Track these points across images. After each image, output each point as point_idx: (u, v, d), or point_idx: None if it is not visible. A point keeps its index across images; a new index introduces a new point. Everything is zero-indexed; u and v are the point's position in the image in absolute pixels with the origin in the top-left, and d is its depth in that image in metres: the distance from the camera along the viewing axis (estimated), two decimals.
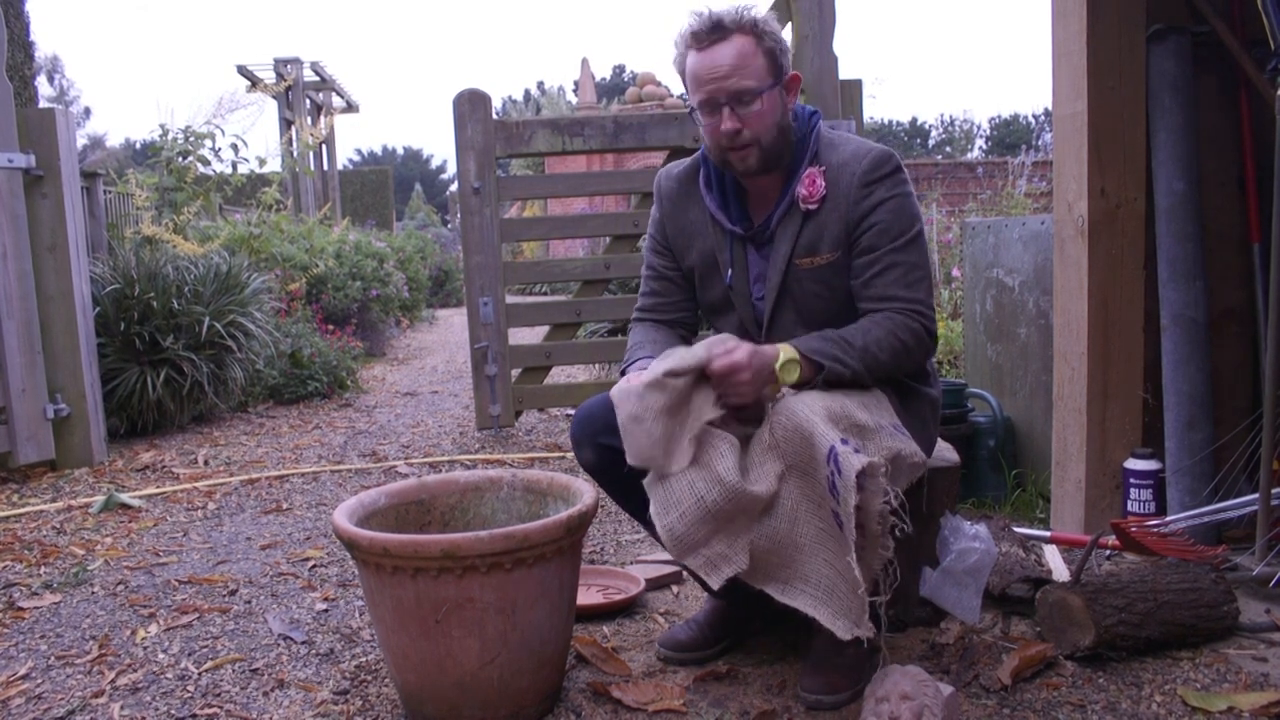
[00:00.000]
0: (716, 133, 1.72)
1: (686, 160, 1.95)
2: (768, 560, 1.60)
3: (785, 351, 1.63)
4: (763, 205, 1.83)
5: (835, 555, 1.54)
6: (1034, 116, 40.23)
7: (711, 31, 1.69)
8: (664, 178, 1.95)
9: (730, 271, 1.84)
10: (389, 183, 20.03)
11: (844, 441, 1.48)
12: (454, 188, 26.08)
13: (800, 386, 1.64)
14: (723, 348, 1.60)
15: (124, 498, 3.35)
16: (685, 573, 2.30)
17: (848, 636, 1.52)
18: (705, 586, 1.92)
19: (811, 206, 1.75)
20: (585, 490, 1.77)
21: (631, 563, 2.50)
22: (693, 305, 1.97)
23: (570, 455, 3.83)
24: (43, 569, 2.66)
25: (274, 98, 10.81)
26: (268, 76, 11.08)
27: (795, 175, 1.77)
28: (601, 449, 1.79)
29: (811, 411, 1.54)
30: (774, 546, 1.59)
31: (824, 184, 1.74)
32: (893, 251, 1.71)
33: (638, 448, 1.59)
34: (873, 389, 1.71)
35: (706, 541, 1.57)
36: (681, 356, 1.61)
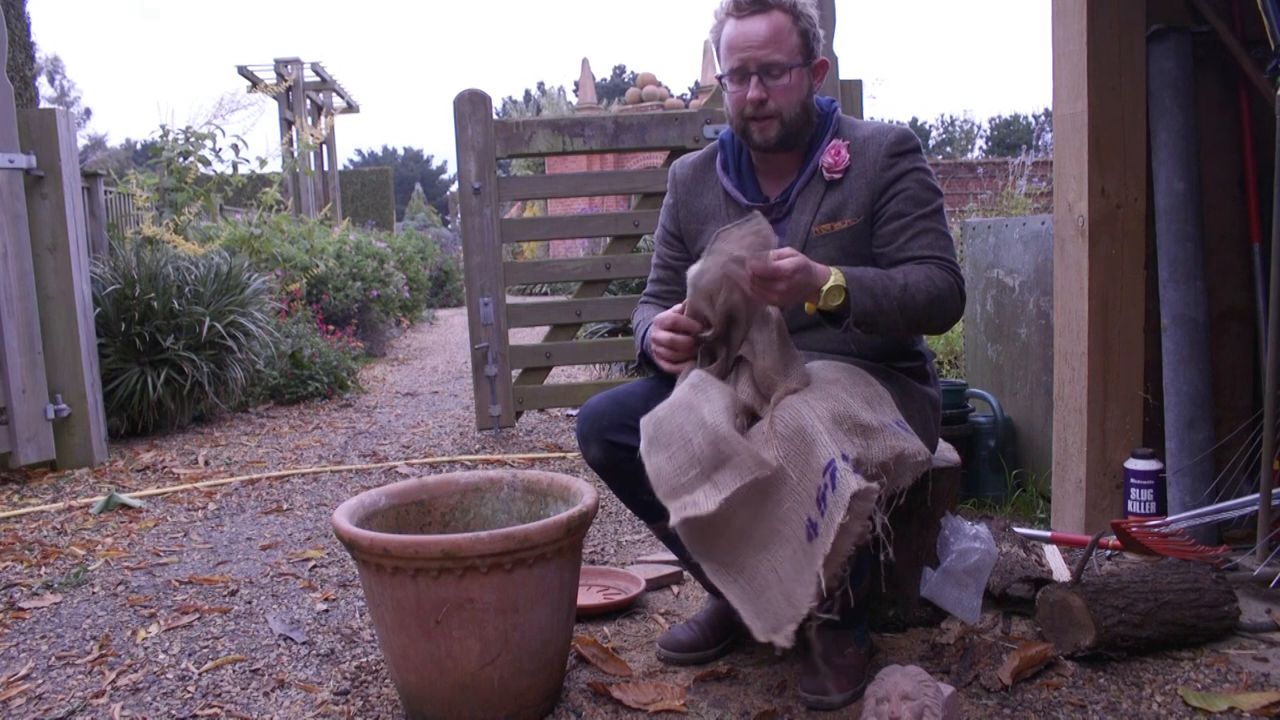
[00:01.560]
0: (742, 101, 1.76)
1: (702, 149, 1.98)
2: (719, 537, 1.56)
3: (835, 277, 1.62)
4: (779, 182, 1.85)
5: (781, 559, 1.51)
6: (1034, 116, 40.23)
7: (753, 3, 1.73)
8: (679, 165, 1.99)
9: None
10: (389, 183, 20.04)
11: (844, 457, 1.46)
12: (454, 188, 26.06)
13: (834, 316, 1.65)
14: (776, 253, 1.58)
15: (124, 498, 3.35)
16: (683, 570, 2.30)
17: (763, 639, 1.48)
18: (703, 582, 1.91)
19: (836, 175, 1.78)
20: (585, 490, 1.77)
21: (632, 563, 2.50)
22: None
23: (570, 455, 3.83)
24: (43, 569, 2.66)
25: (274, 98, 10.81)
26: (268, 77, 11.08)
27: (816, 150, 1.81)
28: (609, 445, 1.79)
29: (816, 417, 1.52)
30: (727, 527, 1.55)
31: (848, 155, 1.78)
32: (922, 218, 1.75)
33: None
34: (874, 384, 1.70)
35: (690, 489, 1.52)
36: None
